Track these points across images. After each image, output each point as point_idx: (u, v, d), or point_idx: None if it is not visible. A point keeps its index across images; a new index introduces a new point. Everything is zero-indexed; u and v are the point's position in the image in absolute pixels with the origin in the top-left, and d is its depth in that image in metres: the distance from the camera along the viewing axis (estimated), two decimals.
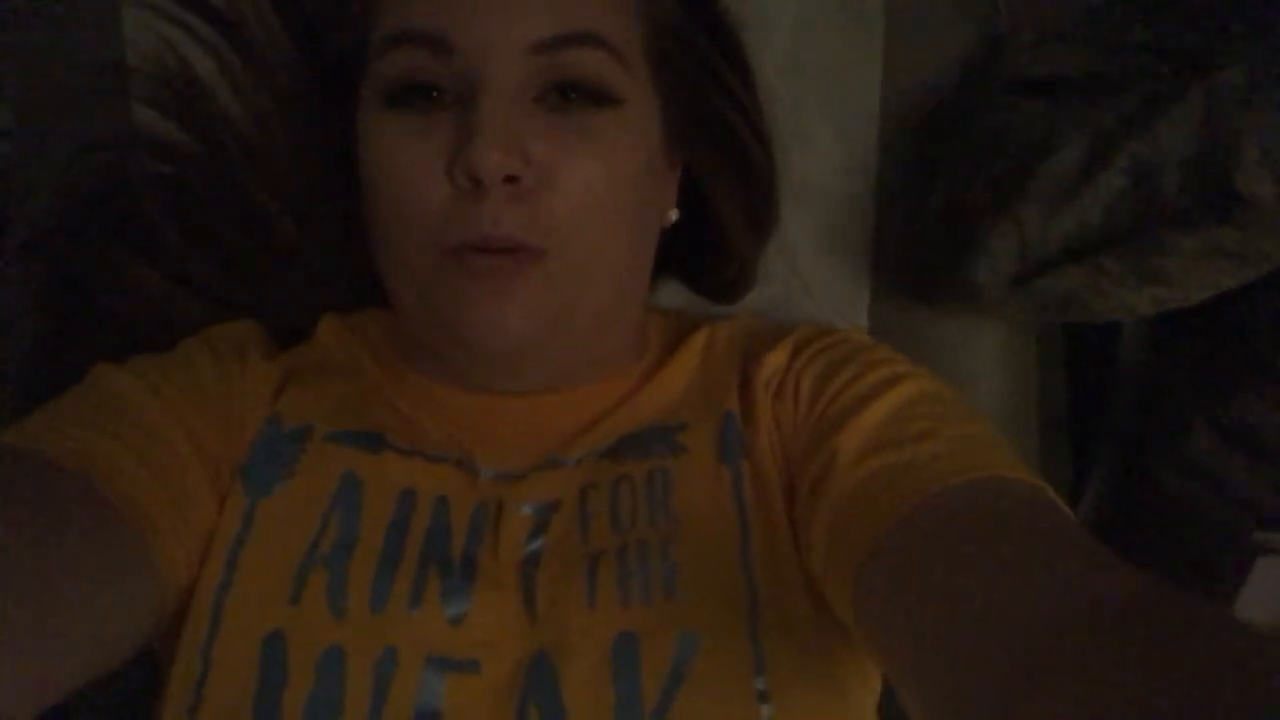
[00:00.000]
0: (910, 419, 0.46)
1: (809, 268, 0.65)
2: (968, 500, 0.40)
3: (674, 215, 0.56)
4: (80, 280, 0.58)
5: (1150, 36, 0.53)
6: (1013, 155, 0.55)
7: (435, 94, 0.47)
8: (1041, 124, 0.55)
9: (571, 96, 0.47)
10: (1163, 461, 0.66)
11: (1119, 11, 0.56)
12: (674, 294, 0.65)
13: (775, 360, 0.53)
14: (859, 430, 0.46)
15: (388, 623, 0.44)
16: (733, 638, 0.44)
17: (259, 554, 0.47)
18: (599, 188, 0.47)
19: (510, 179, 0.45)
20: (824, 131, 0.64)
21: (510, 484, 0.49)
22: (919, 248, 0.62)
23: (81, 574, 0.39)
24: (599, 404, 0.53)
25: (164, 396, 0.48)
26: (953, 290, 0.60)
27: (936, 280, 0.61)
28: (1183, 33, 0.52)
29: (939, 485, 0.41)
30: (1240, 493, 0.62)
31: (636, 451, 0.51)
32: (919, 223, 0.61)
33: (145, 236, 0.57)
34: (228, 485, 0.49)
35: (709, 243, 0.60)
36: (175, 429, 0.47)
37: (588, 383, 0.53)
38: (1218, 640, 0.27)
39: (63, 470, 0.41)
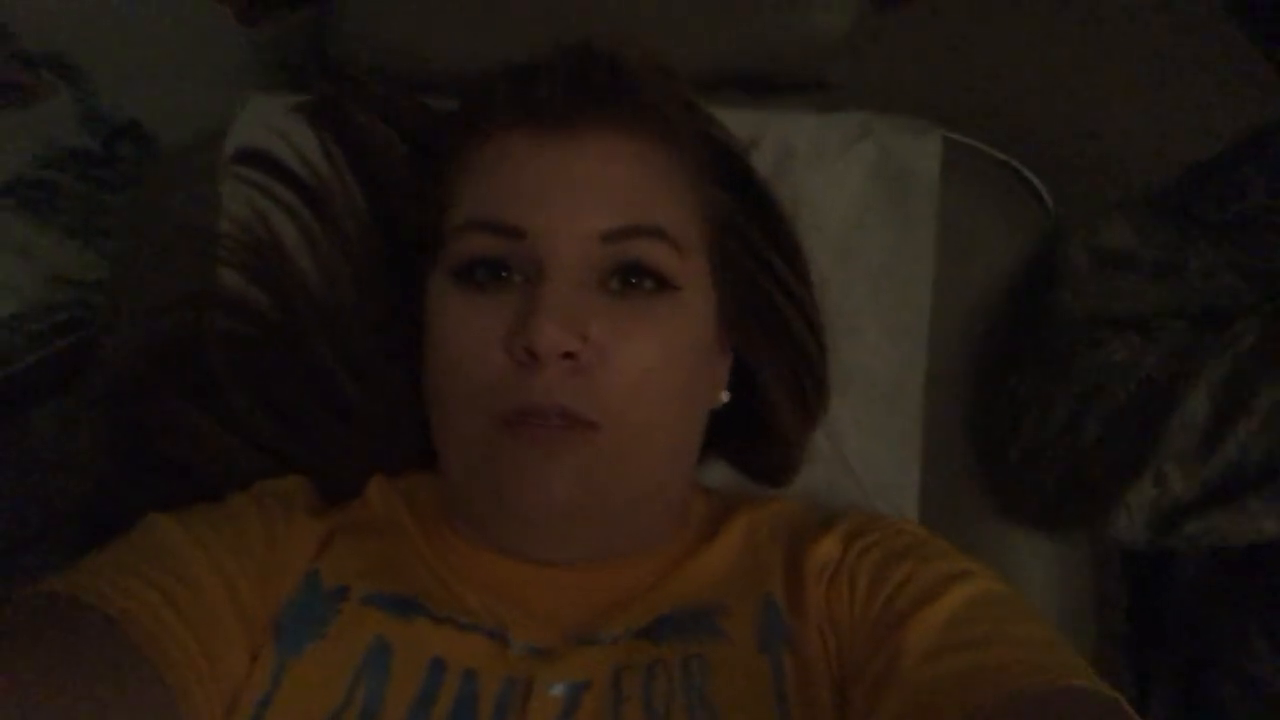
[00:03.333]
0: (977, 620, 0.45)
1: (856, 453, 0.64)
2: (1040, 709, 0.39)
3: (725, 397, 0.57)
4: (146, 428, 0.61)
5: (1214, 260, 0.55)
6: (1127, 398, 0.56)
7: (504, 274, 0.49)
8: (1151, 363, 0.56)
9: (632, 282, 0.49)
10: (1220, 676, 0.64)
11: (1165, 232, 0.57)
12: (720, 475, 0.65)
13: (828, 549, 0.52)
14: (924, 629, 0.44)
15: None
16: None
17: (282, 717, 0.46)
18: (653, 368, 0.49)
19: (568, 355, 0.46)
20: (874, 322, 0.65)
21: (542, 660, 0.48)
22: (1013, 478, 0.62)
23: None
24: (638, 580, 0.52)
25: (208, 549, 0.48)
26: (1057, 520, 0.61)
27: (1039, 509, 0.62)
28: (1250, 252, 0.54)
29: (1011, 691, 0.39)
30: None
31: (674, 634, 0.49)
32: (1010, 454, 0.61)
33: (212, 391, 0.59)
34: (261, 641, 0.49)
35: (757, 426, 0.60)
36: (215, 582, 0.47)
37: (628, 557, 0.53)
38: None
39: (100, 619, 0.41)
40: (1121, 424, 0.56)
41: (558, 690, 0.47)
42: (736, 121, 0.61)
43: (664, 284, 0.50)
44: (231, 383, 0.59)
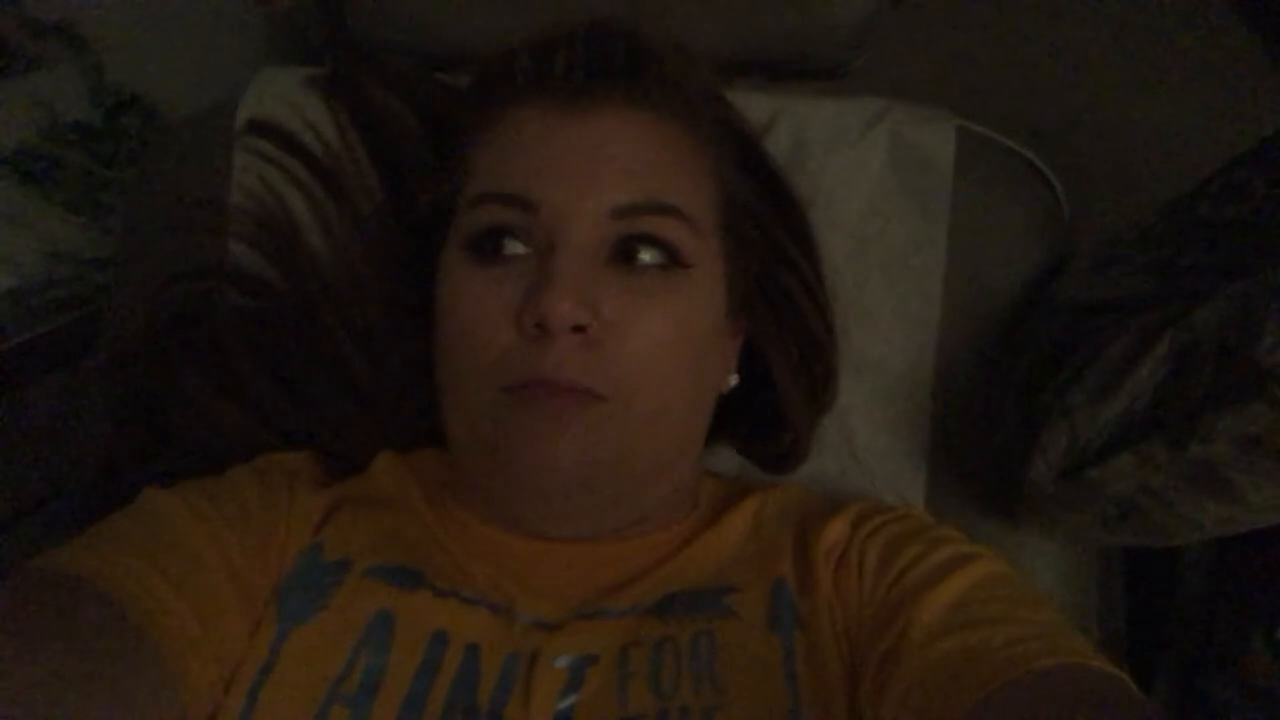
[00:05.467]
0: (985, 600, 0.45)
1: (865, 444, 0.64)
2: (1052, 686, 0.39)
3: (733, 380, 0.57)
4: (153, 401, 0.60)
5: (1204, 261, 0.55)
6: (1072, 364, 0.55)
7: (515, 246, 0.49)
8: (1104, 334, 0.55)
9: (643, 259, 0.49)
10: (1220, 680, 0.63)
11: (1164, 229, 0.57)
12: (730, 464, 0.64)
13: (836, 530, 0.52)
14: (931, 608, 0.45)
15: None
16: None
17: (282, 686, 0.45)
18: (663, 345, 0.48)
19: (578, 329, 0.46)
20: (886, 311, 0.65)
21: (547, 633, 0.48)
22: (993, 461, 0.61)
23: (104, 701, 0.38)
24: (645, 558, 0.52)
25: (206, 522, 0.48)
26: (1017, 499, 0.59)
27: (1009, 492, 0.61)
28: (1245, 257, 0.53)
29: (1021, 669, 0.39)
30: None
31: (683, 611, 0.49)
32: (994, 438, 0.60)
33: (220, 364, 0.59)
34: (261, 613, 0.48)
35: (766, 412, 0.60)
36: (214, 556, 0.47)
37: (635, 536, 0.53)
38: None
39: (96, 593, 0.41)
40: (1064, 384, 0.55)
41: (562, 662, 0.46)
42: (753, 105, 0.61)
43: (676, 261, 0.49)
44: (239, 356, 0.58)
